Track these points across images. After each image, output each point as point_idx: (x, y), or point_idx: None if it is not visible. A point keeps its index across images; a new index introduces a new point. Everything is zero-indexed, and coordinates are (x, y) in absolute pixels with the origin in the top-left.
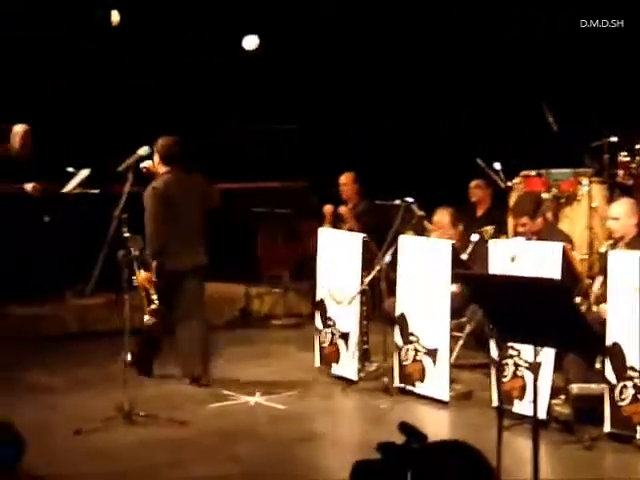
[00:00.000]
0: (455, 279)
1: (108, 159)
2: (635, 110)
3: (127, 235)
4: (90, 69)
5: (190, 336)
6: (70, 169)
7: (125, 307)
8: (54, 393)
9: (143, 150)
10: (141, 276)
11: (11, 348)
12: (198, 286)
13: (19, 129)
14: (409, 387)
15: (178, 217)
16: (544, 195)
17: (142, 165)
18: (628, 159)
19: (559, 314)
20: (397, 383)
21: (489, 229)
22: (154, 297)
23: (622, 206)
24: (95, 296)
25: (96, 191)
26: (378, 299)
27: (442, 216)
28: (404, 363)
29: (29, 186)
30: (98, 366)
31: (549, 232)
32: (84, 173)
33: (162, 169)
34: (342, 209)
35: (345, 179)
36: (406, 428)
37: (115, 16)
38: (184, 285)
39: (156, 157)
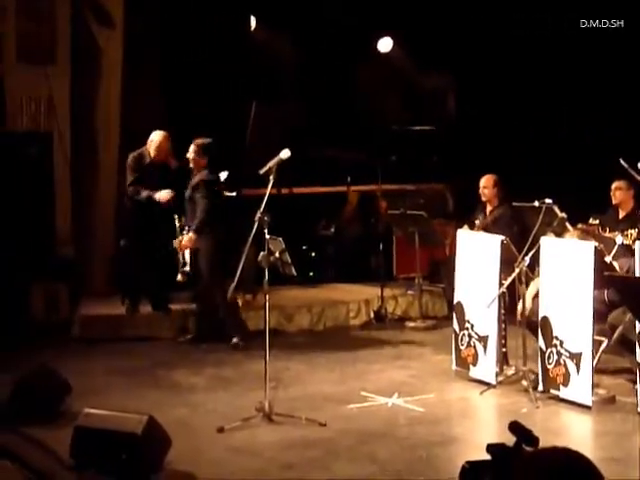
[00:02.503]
0: (603, 282)
1: (243, 163)
2: None
3: (268, 237)
4: None
5: None
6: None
7: (265, 307)
8: (197, 392)
9: (284, 153)
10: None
11: (154, 347)
12: None
13: (154, 137)
14: (553, 391)
15: None
16: None
17: None
18: None
19: None
20: (540, 387)
21: (633, 232)
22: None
23: None
24: (234, 297)
25: (233, 194)
26: (516, 302)
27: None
28: (547, 367)
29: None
30: (238, 366)
31: None
32: (222, 176)
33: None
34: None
35: (486, 182)
36: (517, 429)
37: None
38: None
39: None
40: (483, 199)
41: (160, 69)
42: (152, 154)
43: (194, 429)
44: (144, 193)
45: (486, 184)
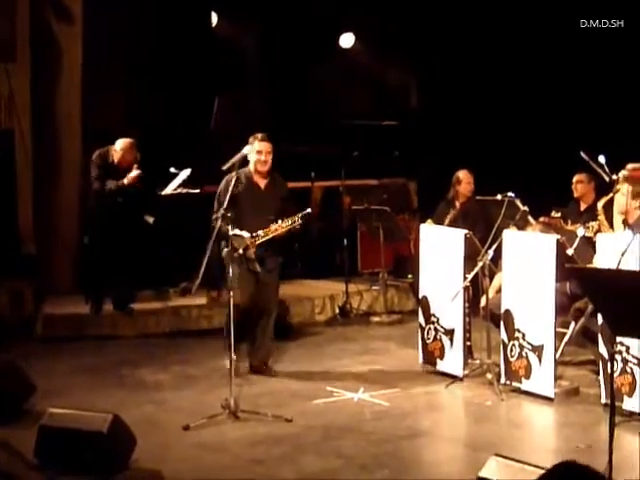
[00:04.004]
0: (565, 275)
1: (207, 159)
2: None
3: (232, 233)
4: None
5: None
6: (173, 170)
7: (230, 304)
8: (162, 390)
9: (247, 149)
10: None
11: (119, 346)
12: None
13: (119, 145)
14: (516, 383)
15: None
16: None
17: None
18: None
19: None
20: (502, 380)
21: (594, 224)
22: None
23: None
24: (198, 294)
25: (196, 191)
26: (480, 295)
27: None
28: (510, 360)
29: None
30: (203, 363)
31: None
32: (185, 174)
33: None
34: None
35: (467, 177)
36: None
37: None
38: None
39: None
40: (467, 194)
41: (125, 66)
42: (116, 160)
43: (160, 427)
44: (111, 184)
45: (468, 180)
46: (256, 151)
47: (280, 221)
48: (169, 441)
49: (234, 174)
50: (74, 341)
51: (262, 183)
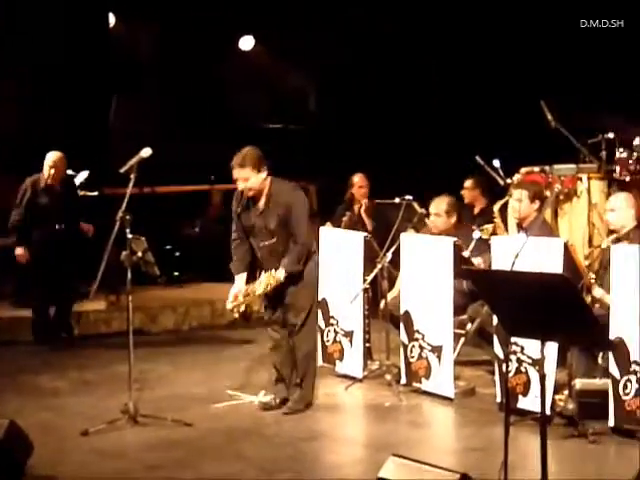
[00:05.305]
0: (460, 275)
1: (106, 161)
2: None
3: (130, 236)
4: None
5: None
6: (69, 172)
7: (128, 308)
8: (60, 395)
9: (145, 151)
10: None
11: (16, 352)
12: None
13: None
14: (416, 384)
15: None
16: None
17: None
18: (625, 156)
19: (566, 309)
20: (403, 380)
21: (489, 227)
22: None
23: (619, 198)
24: (96, 298)
25: (95, 193)
26: (379, 297)
27: (439, 203)
28: (410, 361)
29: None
30: (102, 368)
31: (538, 227)
32: (82, 176)
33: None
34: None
35: (364, 180)
36: None
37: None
38: None
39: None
40: (357, 197)
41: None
42: (47, 176)
43: (58, 433)
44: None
45: (363, 183)
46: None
47: (258, 280)
48: (67, 447)
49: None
50: None
51: (260, 202)
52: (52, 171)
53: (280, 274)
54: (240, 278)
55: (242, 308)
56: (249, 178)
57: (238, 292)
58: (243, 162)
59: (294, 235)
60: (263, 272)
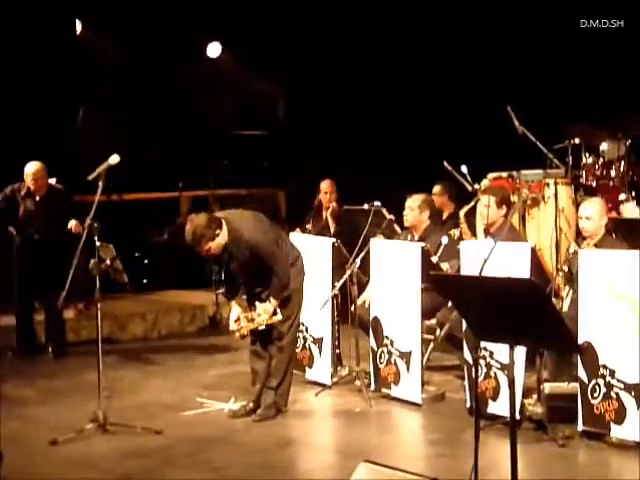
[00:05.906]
0: (428, 281)
1: (73, 169)
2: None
3: (99, 244)
4: None
5: None
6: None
7: (97, 316)
8: (28, 404)
9: (113, 159)
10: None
11: None
12: None
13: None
14: (385, 390)
15: None
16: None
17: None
18: (591, 161)
19: (534, 313)
20: (372, 386)
21: (456, 232)
22: None
23: (594, 206)
24: (65, 307)
25: None
26: (349, 303)
27: (415, 199)
28: (379, 366)
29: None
30: (71, 376)
31: (505, 232)
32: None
33: None
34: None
35: (330, 187)
36: None
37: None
38: None
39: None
40: (325, 204)
41: None
42: (32, 188)
43: (26, 442)
44: None
45: (331, 189)
46: None
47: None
48: (35, 457)
49: None
50: None
51: (225, 254)
52: (32, 183)
53: (272, 305)
54: (236, 304)
55: (245, 332)
56: (210, 248)
57: (238, 316)
58: (198, 241)
59: (270, 269)
60: (257, 302)
